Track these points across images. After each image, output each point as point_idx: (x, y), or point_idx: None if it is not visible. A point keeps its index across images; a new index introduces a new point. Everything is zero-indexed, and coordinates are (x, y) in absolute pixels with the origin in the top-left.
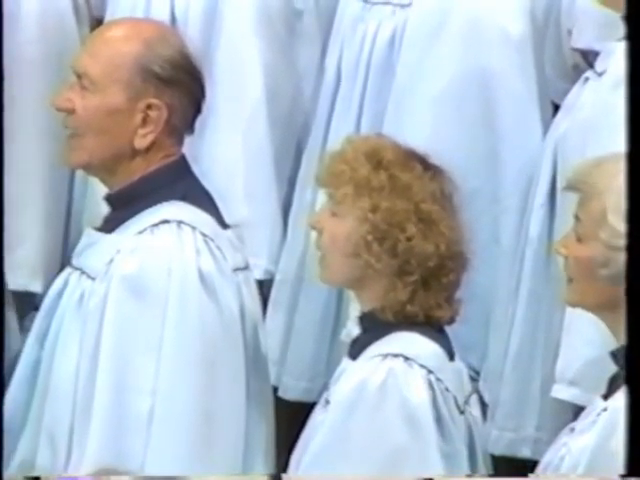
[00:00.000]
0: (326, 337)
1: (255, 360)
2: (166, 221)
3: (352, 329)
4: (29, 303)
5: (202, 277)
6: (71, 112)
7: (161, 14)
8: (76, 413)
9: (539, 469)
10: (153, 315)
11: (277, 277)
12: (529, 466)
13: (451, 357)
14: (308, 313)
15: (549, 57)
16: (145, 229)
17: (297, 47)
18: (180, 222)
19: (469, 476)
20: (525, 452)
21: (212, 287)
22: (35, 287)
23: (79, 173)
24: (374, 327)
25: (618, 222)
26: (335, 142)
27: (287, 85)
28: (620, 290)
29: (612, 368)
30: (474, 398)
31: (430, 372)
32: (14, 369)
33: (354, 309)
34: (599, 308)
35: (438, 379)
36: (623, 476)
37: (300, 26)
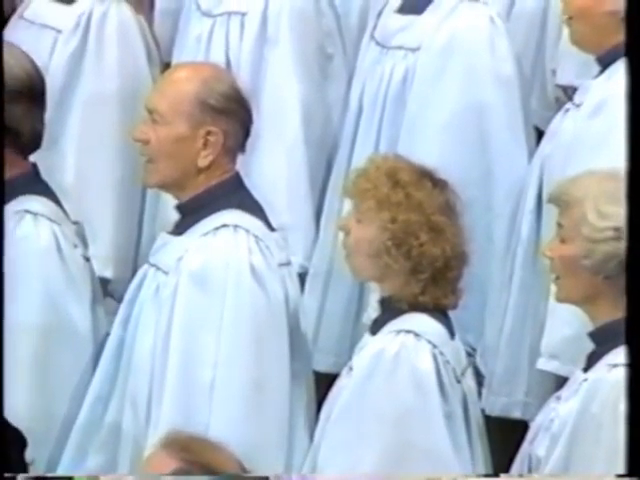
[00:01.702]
0: (350, 320)
1: (297, 339)
2: (225, 225)
3: (371, 313)
4: (105, 289)
5: (253, 271)
6: (146, 143)
7: (218, 59)
8: (153, 383)
9: (532, 429)
10: (214, 302)
11: (310, 271)
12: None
13: (452, 336)
14: (336, 301)
15: (536, 92)
16: (208, 232)
17: (328, 84)
18: (236, 226)
19: (467, 476)
20: (516, 414)
21: (262, 279)
22: (107, 274)
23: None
24: (391, 309)
25: (596, 220)
26: (358, 160)
27: (319, 114)
28: (599, 279)
29: (588, 346)
30: (469, 371)
31: (435, 347)
32: (103, 348)
33: (373, 297)
34: (582, 301)
35: (441, 353)
36: (622, 476)
37: (330, 67)
